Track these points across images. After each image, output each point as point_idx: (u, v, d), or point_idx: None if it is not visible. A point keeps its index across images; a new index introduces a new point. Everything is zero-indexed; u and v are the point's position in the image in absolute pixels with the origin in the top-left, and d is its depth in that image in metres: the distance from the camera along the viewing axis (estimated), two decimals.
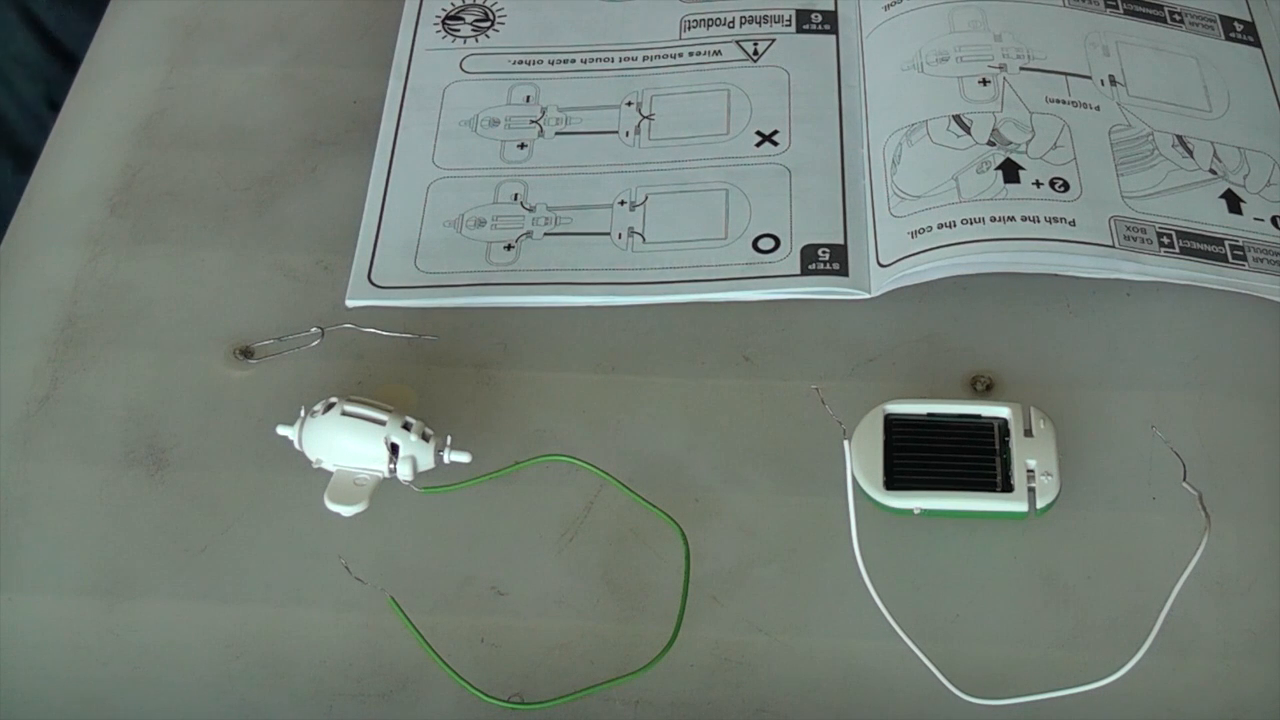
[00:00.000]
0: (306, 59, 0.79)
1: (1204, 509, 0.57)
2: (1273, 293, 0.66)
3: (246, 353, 0.67)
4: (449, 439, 0.61)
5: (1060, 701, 0.56)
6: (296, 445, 0.62)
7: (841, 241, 0.68)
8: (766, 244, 0.69)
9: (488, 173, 0.73)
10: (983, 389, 0.65)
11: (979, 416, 0.62)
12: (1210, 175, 0.69)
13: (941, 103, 0.71)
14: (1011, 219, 0.67)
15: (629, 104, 0.75)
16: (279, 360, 0.67)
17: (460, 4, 0.80)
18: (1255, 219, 0.68)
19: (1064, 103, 0.71)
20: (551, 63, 0.77)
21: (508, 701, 0.56)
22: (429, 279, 0.69)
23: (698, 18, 0.78)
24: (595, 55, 0.77)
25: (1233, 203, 0.69)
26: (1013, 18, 0.74)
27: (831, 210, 0.70)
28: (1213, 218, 0.68)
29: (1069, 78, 0.72)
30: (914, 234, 0.67)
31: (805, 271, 0.68)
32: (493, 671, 0.58)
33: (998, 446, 0.61)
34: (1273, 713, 0.56)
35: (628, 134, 0.74)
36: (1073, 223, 0.66)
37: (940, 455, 0.61)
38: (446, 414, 0.64)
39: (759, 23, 0.78)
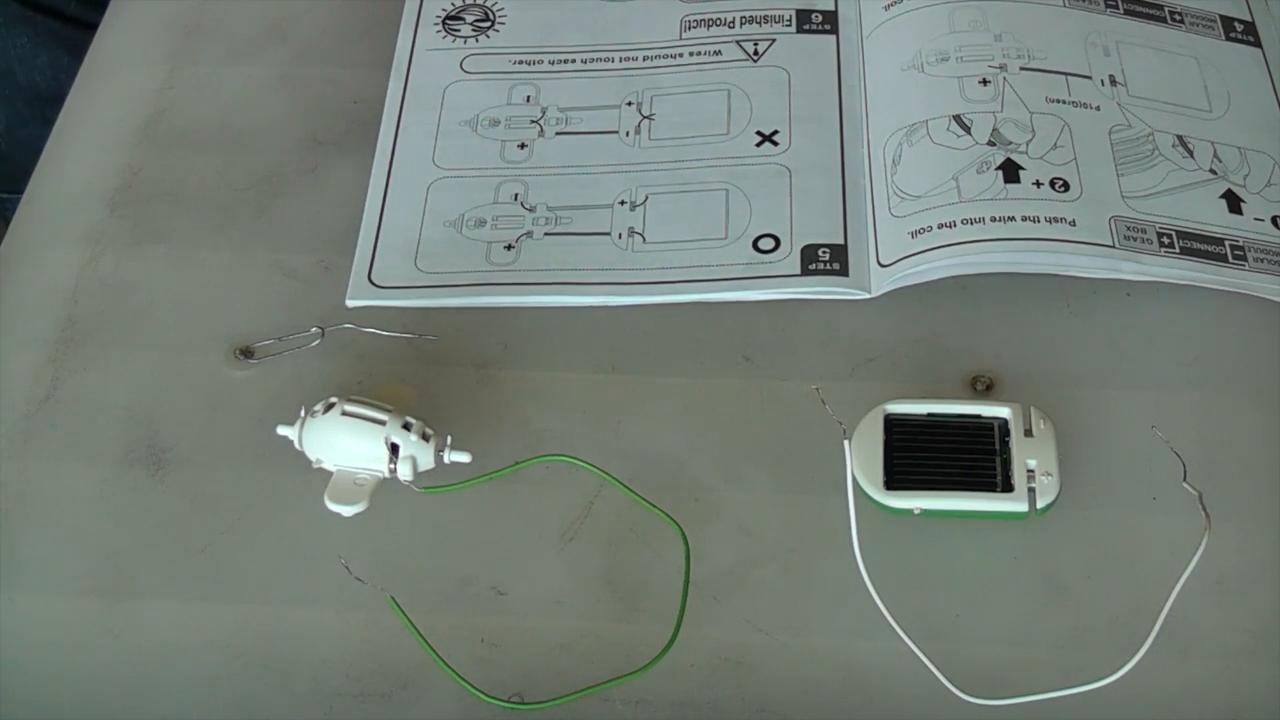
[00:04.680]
0: (306, 59, 0.79)
1: (1204, 509, 0.57)
2: (1273, 293, 0.66)
3: (246, 353, 0.67)
4: (449, 439, 0.61)
5: (1060, 701, 0.56)
6: (296, 445, 0.62)
7: (842, 241, 0.68)
8: (767, 244, 0.69)
9: (488, 173, 0.73)
10: (983, 389, 0.65)
11: (979, 416, 0.62)
12: (1210, 175, 0.69)
13: (941, 103, 0.71)
14: (1011, 219, 0.67)
15: (629, 104, 0.75)
16: (279, 360, 0.67)
17: (460, 4, 0.80)
18: (1255, 219, 0.68)
19: (1064, 103, 0.71)
20: (552, 63, 0.77)
21: (508, 701, 0.56)
22: (429, 279, 0.69)
23: (698, 18, 0.78)
24: (595, 55, 0.77)
25: (1233, 203, 0.69)
26: (1013, 18, 0.74)
27: (831, 210, 0.70)
28: (1213, 218, 0.68)
29: (1069, 78, 0.72)
30: (914, 234, 0.67)
31: (805, 271, 0.68)
32: (493, 671, 0.58)
33: (998, 446, 0.61)
34: (1273, 713, 0.56)
35: (628, 134, 0.74)
36: (1073, 223, 0.66)
37: (940, 455, 0.61)
38: (446, 414, 0.64)
39: (759, 23, 0.78)
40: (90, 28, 0.82)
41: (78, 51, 0.81)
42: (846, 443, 0.59)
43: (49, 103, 0.97)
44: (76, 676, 0.59)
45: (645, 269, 0.68)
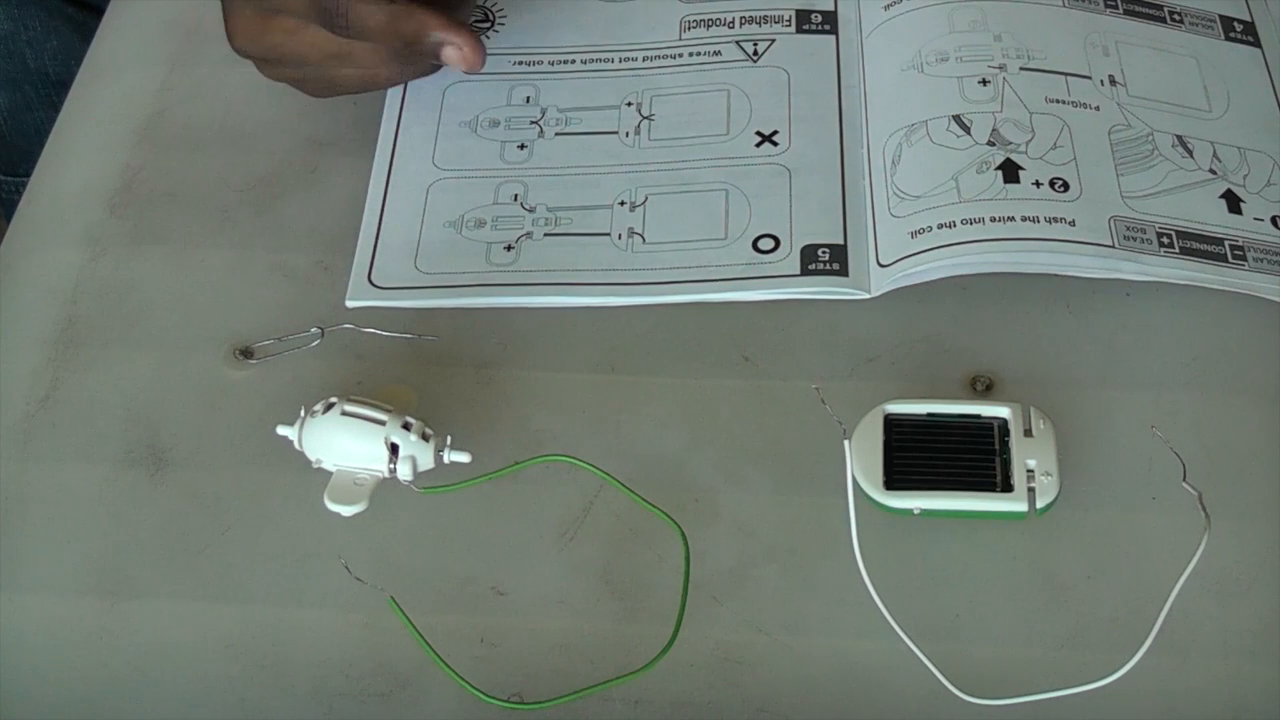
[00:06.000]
0: None
1: (1204, 509, 0.57)
2: (1273, 293, 0.66)
3: (246, 353, 0.67)
4: (449, 439, 0.61)
5: (1060, 701, 0.56)
6: (296, 445, 0.62)
7: (841, 241, 0.68)
8: (766, 244, 0.69)
9: (488, 173, 0.73)
10: (983, 389, 0.65)
11: (979, 416, 0.62)
12: (1210, 175, 0.70)
13: (941, 103, 0.71)
14: (1011, 219, 0.67)
15: (629, 104, 0.75)
16: (279, 360, 0.67)
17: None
18: (1255, 219, 0.68)
19: (1064, 103, 0.71)
20: (551, 63, 0.77)
21: (508, 701, 0.56)
22: (429, 279, 0.69)
23: (698, 18, 0.78)
24: (595, 55, 0.77)
25: (1233, 203, 0.69)
26: (1013, 18, 0.74)
27: (831, 210, 0.70)
28: (1213, 218, 0.68)
29: (1069, 78, 0.72)
30: (914, 234, 0.67)
31: (805, 271, 0.68)
32: (493, 671, 0.58)
33: (997, 446, 0.61)
34: (1273, 713, 0.56)
35: (628, 134, 0.74)
36: (1072, 223, 0.66)
37: (940, 455, 0.61)
38: (446, 414, 0.64)
39: (759, 23, 0.78)
40: (103, 13, 0.82)
41: (89, 37, 0.81)
42: (846, 443, 0.59)
43: (57, 87, 0.97)
44: (76, 676, 0.59)
45: (645, 269, 0.69)
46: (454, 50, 0.69)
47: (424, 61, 0.72)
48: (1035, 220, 0.66)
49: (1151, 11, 0.76)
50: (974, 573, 0.60)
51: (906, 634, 0.57)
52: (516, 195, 0.72)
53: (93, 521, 0.63)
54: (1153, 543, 0.60)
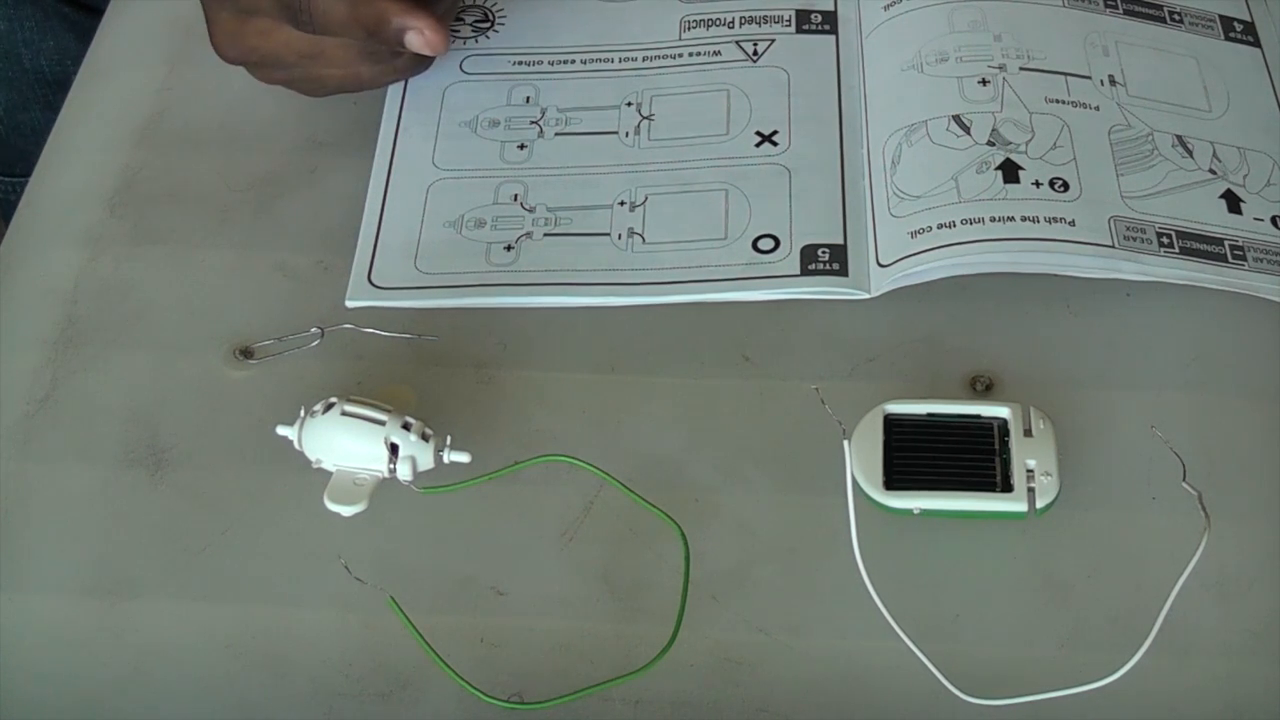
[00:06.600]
0: None
1: (1204, 509, 0.57)
2: (1273, 293, 0.66)
3: (246, 353, 0.67)
4: (449, 439, 0.61)
5: (1060, 701, 0.56)
6: (296, 445, 0.62)
7: (841, 241, 0.68)
8: (766, 244, 0.69)
9: (487, 173, 0.73)
10: (982, 389, 0.65)
11: (979, 416, 0.62)
12: (1210, 175, 0.70)
13: (941, 103, 0.71)
14: (1011, 219, 0.67)
15: (629, 104, 0.75)
16: (279, 360, 0.67)
17: (460, 5, 0.80)
18: (1255, 219, 0.68)
19: (1064, 103, 0.71)
20: (551, 63, 0.77)
21: (508, 701, 0.56)
22: (429, 280, 0.69)
23: (697, 18, 0.78)
24: (595, 56, 0.77)
25: (1232, 203, 0.69)
26: (1013, 18, 0.74)
27: (831, 210, 0.70)
28: (1212, 218, 0.68)
29: (1069, 78, 0.72)
30: (914, 234, 0.67)
31: (805, 271, 0.68)
32: (493, 671, 0.58)
33: (997, 446, 0.61)
34: (1273, 713, 0.56)
35: (627, 134, 0.74)
36: (1072, 223, 0.66)
37: (940, 455, 0.61)
38: (446, 414, 0.64)
39: (759, 23, 0.78)
40: (99, 13, 0.82)
41: (85, 37, 0.81)
42: (846, 443, 0.59)
43: (53, 87, 0.97)
44: (76, 676, 0.59)
45: (645, 269, 0.69)
46: (416, 35, 0.68)
47: (399, 58, 0.71)
48: (1035, 220, 0.66)
49: (1151, 11, 0.76)
50: (974, 573, 0.60)
51: (906, 634, 0.57)
52: (516, 195, 0.72)
53: (93, 521, 0.63)
54: (1153, 543, 0.60)
